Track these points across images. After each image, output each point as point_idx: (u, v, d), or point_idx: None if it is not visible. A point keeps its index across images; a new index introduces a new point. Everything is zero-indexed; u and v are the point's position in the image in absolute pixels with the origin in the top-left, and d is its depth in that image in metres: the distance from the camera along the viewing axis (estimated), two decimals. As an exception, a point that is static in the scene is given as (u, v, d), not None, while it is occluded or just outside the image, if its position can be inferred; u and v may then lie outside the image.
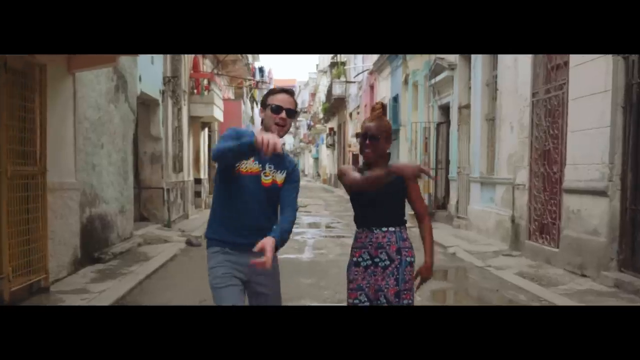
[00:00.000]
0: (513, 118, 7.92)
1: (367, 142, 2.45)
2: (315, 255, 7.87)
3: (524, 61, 7.42)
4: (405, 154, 15.05)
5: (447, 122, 11.86)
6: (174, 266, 6.80)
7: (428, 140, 12.85)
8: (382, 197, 2.45)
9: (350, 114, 27.33)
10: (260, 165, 2.40)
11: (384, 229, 2.47)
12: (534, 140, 7.18)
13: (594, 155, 5.69)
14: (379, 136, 2.45)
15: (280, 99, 2.37)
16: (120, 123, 7.58)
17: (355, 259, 2.53)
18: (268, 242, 2.12)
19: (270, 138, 1.98)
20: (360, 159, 2.73)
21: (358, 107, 24.89)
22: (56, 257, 5.43)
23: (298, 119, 57.91)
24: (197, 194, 14.26)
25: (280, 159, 2.44)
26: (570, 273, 5.98)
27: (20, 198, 4.56)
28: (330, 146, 35.05)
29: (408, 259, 2.46)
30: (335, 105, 30.34)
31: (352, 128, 26.36)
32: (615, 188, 5.40)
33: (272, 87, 38.41)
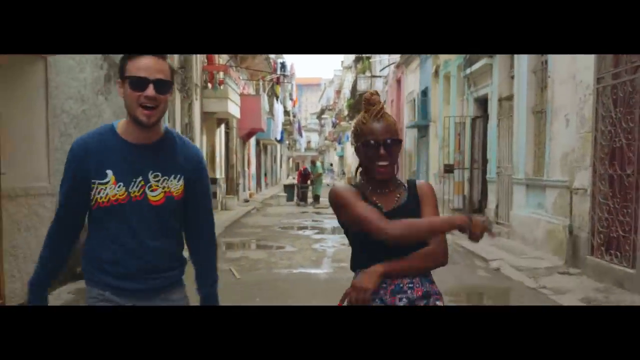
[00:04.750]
0: (570, 110, 6.69)
1: (383, 150, 1.69)
2: (335, 269, 6.82)
3: (585, 41, 6.18)
4: (436, 152, 13.87)
5: (485, 117, 10.64)
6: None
7: (461, 137, 11.64)
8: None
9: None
10: (140, 179, 1.65)
11: None
12: (599, 135, 5.94)
13: (687, 154, 4.46)
14: (396, 139, 1.73)
15: (144, 66, 1.58)
16: (112, 118, 6.66)
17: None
18: None
19: None
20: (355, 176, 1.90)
21: (384, 102, 23.73)
22: (21, 276, 4.53)
23: (323, 116, 57.18)
24: (212, 195, 13.40)
25: (170, 154, 1.70)
26: (654, 302, 4.77)
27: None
28: (355, 144, 33.99)
29: (438, 302, 1.74)
30: (360, 102, 29.21)
31: (378, 125, 25.20)
32: None
33: (294, 83, 37.76)
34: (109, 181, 1.61)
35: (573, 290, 5.39)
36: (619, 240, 5.58)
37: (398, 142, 1.73)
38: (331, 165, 39.85)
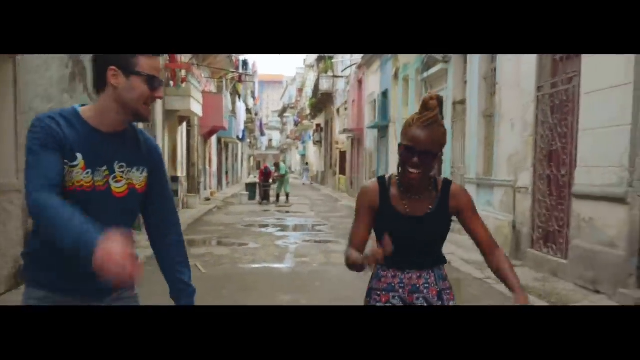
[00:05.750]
0: (514, 115, 7.26)
1: (416, 159, 1.69)
2: (297, 264, 7.14)
3: (528, 52, 6.76)
4: (395, 152, 14.39)
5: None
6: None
7: (419, 138, 12.18)
8: (425, 236, 1.81)
9: (338, 110, 26.67)
10: (104, 168, 1.56)
11: (421, 269, 1.84)
12: (539, 139, 6.52)
13: (610, 157, 5.04)
14: (435, 152, 1.71)
15: (157, 66, 1.56)
16: (78, 116, 6.72)
17: (380, 304, 1.85)
18: None
19: (119, 265, 1.26)
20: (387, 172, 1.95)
21: (345, 102, 24.23)
22: (-11, 271, 4.62)
23: (285, 114, 57.31)
24: (174, 193, 13.43)
25: (134, 145, 1.64)
26: (582, 288, 5.33)
27: None
28: (317, 143, 34.42)
29: (451, 303, 1.87)
30: (322, 101, 29.68)
31: (340, 124, 25.73)
32: (635, 195, 4.75)
33: (256, 81, 37.44)
34: (77, 164, 1.52)
35: (514, 280, 5.91)
36: (555, 234, 6.17)
37: (435, 155, 1.70)
38: (307, 164, 39.27)
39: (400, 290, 1.82)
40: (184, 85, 12.76)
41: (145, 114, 1.58)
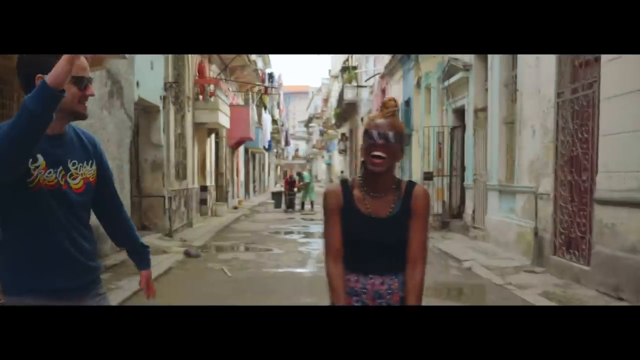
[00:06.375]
0: (535, 121, 7.29)
1: (380, 141, 1.72)
2: (319, 269, 7.30)
3: (547, 59, 6.80)
4: (418, 160, 14.46)
5: (462, 126, 11.24)
6: (167, 281, 6.30)
7: (442, 146, 12.24)
8: (389, 238, 1.79)
9: (362, 119, 26.83)
10: (60, 168, 1.65)
11: (384, 274, 1.81)
12: (560, 145, 6.54)
13: (631, 162, 5.04)
14: (397, 137, 1.75)
15: (84, 66, 1.62)
16: (115, 130, 7.12)
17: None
18: (149, 277, 1.94)
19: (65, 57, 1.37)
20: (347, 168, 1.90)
21: (370, 111, 24.37)
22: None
23: (311, 124, 57.86)
24: (203, 202, 13.91)
25: (78, 142, 1.73)
26: (604, 295, 5.32)
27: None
28: (342, 152, 34.58)
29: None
30: (346, 111, 29.88)
31: (364, 134, 25.80)
32: (656, 199, 4.75)
33: (281, 93, 37.51)
34: (39, 165, 1.59)
35: (535, 286, 5.93)
36: (577, 241, 6.16)
37: (398, 137, 1.74)
38: (342, 172, 38.25)
39: (363, 296, 1.79)
40: (212, 99, 13.18)
41: (82, 112, 1.66)
